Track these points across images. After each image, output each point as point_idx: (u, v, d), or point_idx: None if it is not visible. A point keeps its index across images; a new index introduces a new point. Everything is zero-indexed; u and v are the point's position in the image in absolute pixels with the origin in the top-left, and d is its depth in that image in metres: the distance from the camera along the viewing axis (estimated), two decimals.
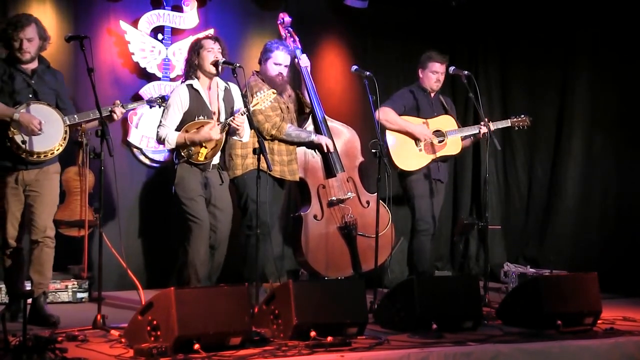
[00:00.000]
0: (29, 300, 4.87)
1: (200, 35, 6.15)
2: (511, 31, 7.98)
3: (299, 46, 6.47)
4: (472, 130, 6.37)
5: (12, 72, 4.98)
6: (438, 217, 6.38)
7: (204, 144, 5.40)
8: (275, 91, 5.63)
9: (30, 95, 4.97)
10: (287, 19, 6.58)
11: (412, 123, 6.29)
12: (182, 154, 5.42)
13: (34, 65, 5.04)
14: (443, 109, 6.47)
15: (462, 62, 7.33)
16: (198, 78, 5.55)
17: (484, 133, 6.19)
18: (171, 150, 5.55)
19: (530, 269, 7.00)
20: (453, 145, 6.34)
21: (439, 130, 6.32)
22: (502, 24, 8.01)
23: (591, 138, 7.58)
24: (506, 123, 6.47)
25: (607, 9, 7.32)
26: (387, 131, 6.24)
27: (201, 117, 5.46)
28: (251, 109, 5.37)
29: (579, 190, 7.61)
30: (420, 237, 6.26)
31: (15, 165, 4.96)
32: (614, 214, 7.37)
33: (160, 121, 5.50)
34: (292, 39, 6.47)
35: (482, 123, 6.25)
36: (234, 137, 5.60)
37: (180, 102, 5.49)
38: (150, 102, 5.45)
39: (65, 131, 4.99)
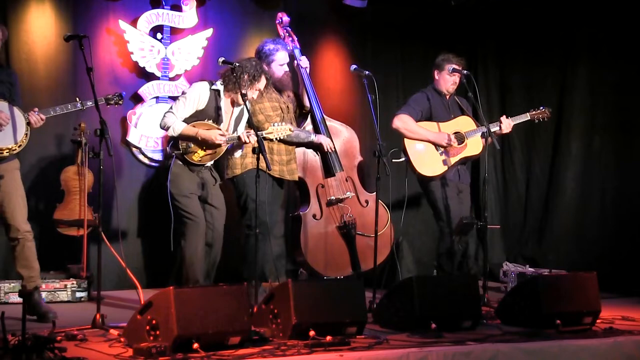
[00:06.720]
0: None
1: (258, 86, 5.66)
2: (510, 31, 7.98)
3: (298, 46, 6.44)
4: (492, 127, 6.16)
5: None
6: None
7: (203, 146, 5.42)
8: (292, 128, 5.67)
9: None
10: (286, 18, 6.56)
11: (430, 131, 6.22)
12: (180, 146, 5.44)
13: None
14: (460, 110, 6.40)
15: None
16: (227, 91, 5.57)
17: (506, 130, 6.16)
18: (168, 142, 5.56)
19: (529, 269, 6.99)
20: (474, 146, 6.26)
21: (458, 132, 6.24)
22: (502, 24, 8.01)
23: (590, 138, 7.59)
24: (525, 117, 6.34)
25: (606, 9, 7.32)
26: (405, 138, 6.22)
27: (211, 122, 5.49)
28: (265, 135, 5.35)
29: (578, 189, 7.62)
30: (446, 240, 6.22)
31: None
32: (613, 213, 7.37)
33: (171, 107, 5.52)
34: (290, 39, 6.45)
35: (501, 118, 6.22)
36: (231, 153, 5.68)
37: (198, 98, 5.51)
38: (108, 101, 5.25)
39: (27, 128, 4.92)
